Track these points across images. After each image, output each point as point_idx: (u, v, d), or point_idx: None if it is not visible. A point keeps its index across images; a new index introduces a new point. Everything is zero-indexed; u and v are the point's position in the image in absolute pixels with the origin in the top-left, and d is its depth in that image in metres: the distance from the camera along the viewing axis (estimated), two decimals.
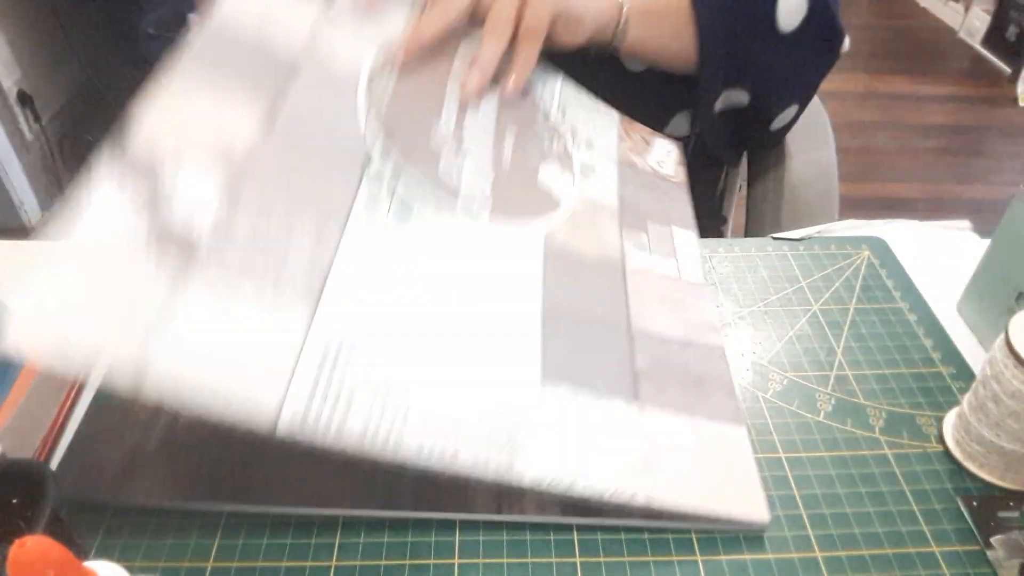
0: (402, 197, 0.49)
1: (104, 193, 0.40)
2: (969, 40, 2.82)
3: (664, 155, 0.65)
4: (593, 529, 0.42)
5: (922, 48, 2.85)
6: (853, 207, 1.95)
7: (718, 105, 0.68)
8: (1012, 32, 2.60)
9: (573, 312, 0.50)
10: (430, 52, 0.58)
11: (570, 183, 0.58)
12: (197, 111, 0.46)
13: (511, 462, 0.41)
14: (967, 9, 2.84)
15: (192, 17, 0.71)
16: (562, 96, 0.64)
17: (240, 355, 0.38)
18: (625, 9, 0.62)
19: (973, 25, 2.80)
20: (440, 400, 0.42)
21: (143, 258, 0.39)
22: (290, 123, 0.49)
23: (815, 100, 0.82)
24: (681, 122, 0.71)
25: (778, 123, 0.72)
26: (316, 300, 0.42)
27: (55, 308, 0.36)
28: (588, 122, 0.64)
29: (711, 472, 0.43)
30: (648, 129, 0.68)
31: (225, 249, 0.42)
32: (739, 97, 0.68)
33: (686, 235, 0.59)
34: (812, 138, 0.79)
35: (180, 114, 0.45)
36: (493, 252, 0.51)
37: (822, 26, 0.67)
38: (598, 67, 0.66)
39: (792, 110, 0.71)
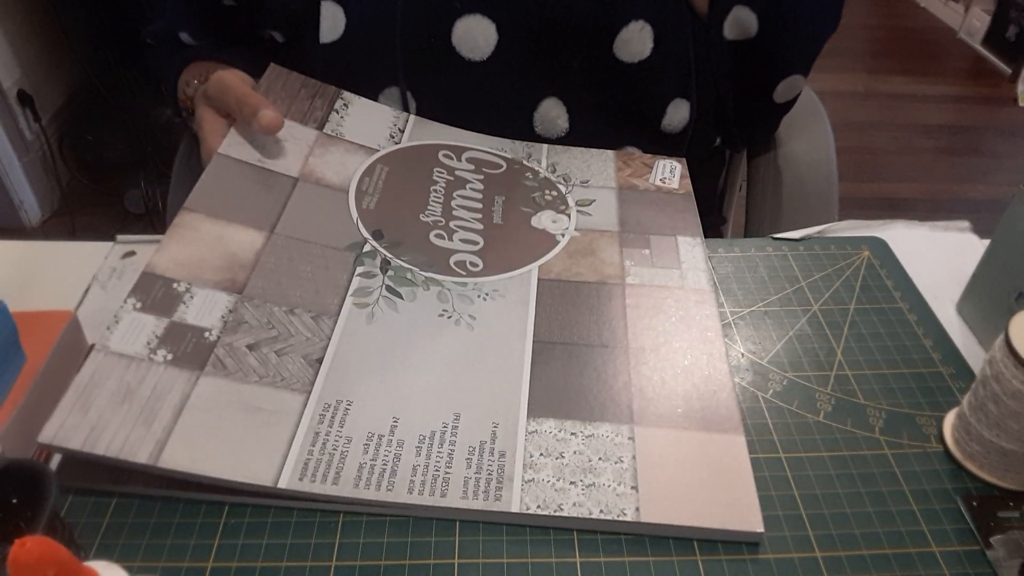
0: (392, 279, 0.54)
1: (129, 312, 0.47)
2: (969, 40, 2.82)
3: (668, 173, 0.66)
4: (593, 529, 0.42)
5: (922, 48, 2.85)
6: (853, 207, 1.95)
7: (727, 30, 0.66)
8: (1012, 32, 2.60)
9: (565, 339, 0.51)
10: (412, 165, 0.63)
11: (566, 221, 0.60)
12: (207, 233, 0.53)
13: (498, 493, 0.42)
14: (967, 9, 2.84)
15: (184, 36, 0.72)
16: (550, 157, 0.67)
17: (245, 430, 0.44)
18: None
19: (973, 25, 2.80)
20: (431, 439, 0.45)
21: (162, 357, 0.46)
22: (289, 225, 0.55)
23: (814, 99, 0.82)
24: (678, 110, 0.71)
25: (781, 95, 0.71)
26: (315, 372, 0.47)
27: (88, 411, 0.42)
28: (582, 166, 0.67)
29: (706, 484, 0.43)
30: (648, 155, 0.68)
31: (235, 334, 0.48)
32: (748, 19, 0.65)
33: (691, 243, 0.59)
34: (811, 138, 0.79)
35: (192, 237, 0.52)
36: (485, 307, 0.53)
37: None
38: (593, 59, 0.66)
39: (795, 81, 0.70)
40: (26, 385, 0.45)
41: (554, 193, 0.63)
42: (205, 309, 0.48)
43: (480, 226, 0.59)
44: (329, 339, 0.49)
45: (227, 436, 0.43)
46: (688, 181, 0.65)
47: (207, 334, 0.47)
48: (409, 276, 0.54)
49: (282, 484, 0.42)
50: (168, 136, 1.87)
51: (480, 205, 0.61)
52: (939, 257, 0.61)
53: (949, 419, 0.48)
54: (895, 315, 0.55)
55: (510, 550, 0.41)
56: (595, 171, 0.66)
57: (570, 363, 0.49)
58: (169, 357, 0.46)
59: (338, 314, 0.50)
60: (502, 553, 0.41)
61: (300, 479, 0.42)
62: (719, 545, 0.42)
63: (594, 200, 0.63)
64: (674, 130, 0.69)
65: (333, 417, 0.45)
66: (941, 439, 0.47)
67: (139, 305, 0.48)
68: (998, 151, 2.32)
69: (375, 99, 0.67)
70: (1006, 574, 0.40)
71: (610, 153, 0.68)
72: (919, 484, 0.45)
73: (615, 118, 0.68)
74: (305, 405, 0.45)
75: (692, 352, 0.50)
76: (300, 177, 0.59)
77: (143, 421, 0.42)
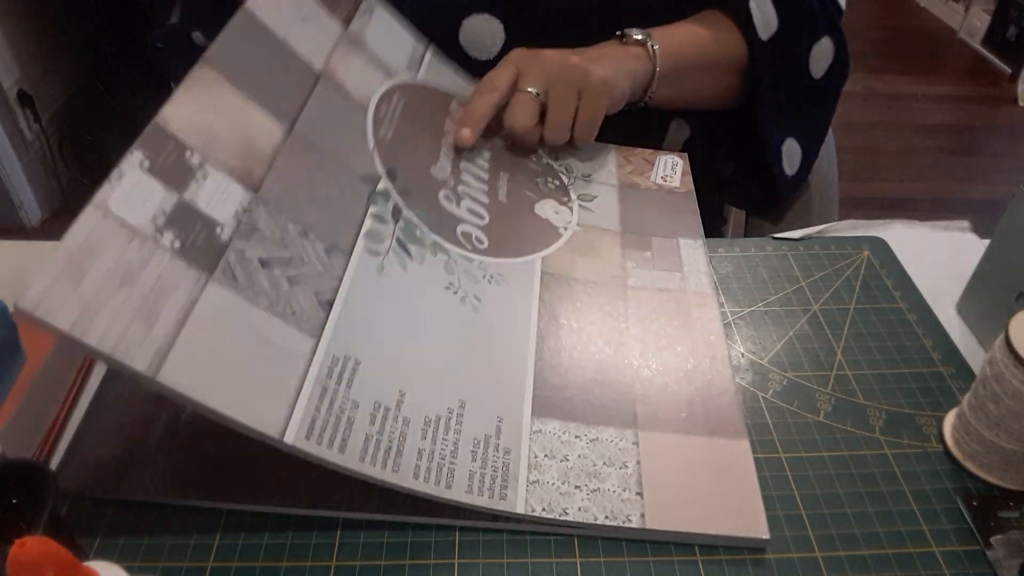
0: (402, 232, 0.52)
1: (135, 168, 0.41)
2: (969, 40, 2.82)
3: (669, 169, 0.66)
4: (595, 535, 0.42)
5: (922, 48, 2.85)
6: (853, 207, 1.94)
7: (787, 165, 0.68)
8: (1012, 32, 2.60)
9: (568, 339, 0.51)
10: (427, 106, 0.61)
11: (568, 214, 0.60)
12: (226, 102, 0.48)
13: (503, 492, 0.42)
14: (967, 9, 2.84)
15: (196, 36, 0.72)
16: None
17: (253, 362, 0.40)
18: (657, 72, 0.63)
19: (973, 25, 2.80)
20: (436, 424, 0.44)
21: (168, 242, 0.40)
22: (308, 128, 0.51)
23: None
24: (679, 131, 0.71)
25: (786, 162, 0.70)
26: (325, 315, 0.44)
27: (81, 283, 0.36)
28: (583, 158, 0.66)
29: (710, 489, 0.43)
30: (650, 150, 0.68)
31: (248, 241, 0.43)
32: (793, 148, 0.68)
33: (693, 245, 0.59)
34: None
35: (210, 102, 0.47)
36: (490, 290, 0.52)
37: (843, 69, 0.69)
38: None
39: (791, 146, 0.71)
40: (26, 385, 0.45)
41: (556, 182, 0.62)
42: (218, 197, 0.44)
43: (486, 199, 0.58)
44: (340, 280, 0.46)
45: (234, 363, 0.39)
46: (690, 179, 0.65)
47: (218, 230, 0.43)
48: (418, 234, 0.53)
49: (288, 439, 0.39)
50: None
51: (487, 176, 0.60)
52: (939, 257, 0.61)
53: (949, 419, 0.48)
54: (895, 315, 0.55)
55: (510, 550, 0.41)
56: (596, 166, 0.65)
57: (573, 365, 0.49)
58: (177, 245, 0.40)
59: (350, 253, 0.48)
60: (502, 553, 0.41)
61: (307, 437, 0.39)
62: (720, 546, 0.42)
63: (596, 196, 0.62)
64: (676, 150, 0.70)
65: (342, 374, 0.43)
66: (941, 439, 0.47)
67: (147, 164, 0.41)
68: (998, 151, 2.32)
69: None
70: (1006, 574, 0.40)
71: (611, 147, 0.68)
72: (919, 484, 0.45)
73: (619, 128, 0.68)
74: (314, 352, 0.43)
75: (695, 356, 0.50)
76: (322, 74, 0.55)
77: (143, 317, 0.37)
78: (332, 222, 0.49)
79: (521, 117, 0.59)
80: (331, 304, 0.45)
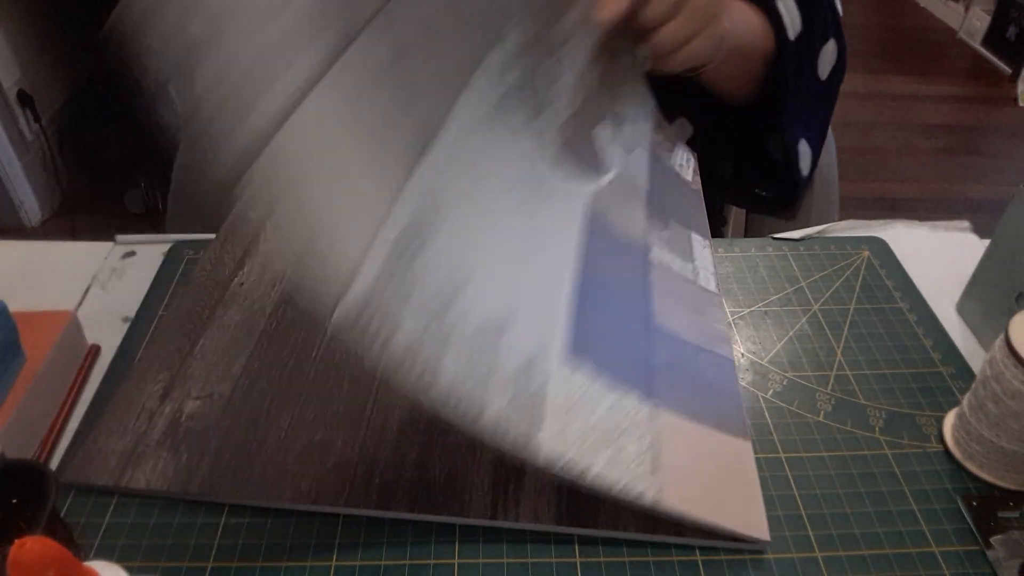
0: (514, 85, 0.49)
1: None
2: (969, 40, 2.82)
3: (684, 161, 0.66)
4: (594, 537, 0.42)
5: (922, 48, 2.86)
6: (853, 207, 1.95)
7: (803, 165, 0.68)
8: (1012, 32, 2.60)
9: (603, 291, 0.50)
10: None
11: (613, 154, 0.58)
12: None
13: (530, 434, 0.40)
14: (967, 9, 2.84)
15: None
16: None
17: (332, 206, 0.37)
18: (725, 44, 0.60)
19: (973, 25, 2.80)
20: (477, 343, 0.41)
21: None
22: None
23: None
24: (683, 131, 0.71)
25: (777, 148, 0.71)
26: (411, 167, 0.41)
27: None
28: (636, 97, 0.64)
29: (716, 483, 0.43)
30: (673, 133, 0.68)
31: (369, 53, 0.40)
32: (804, 148, 0.69)
33: (702, 243, 0.59)
34: None
35: None
36: (544, 206, 0.50)
37: (843, 71, 0.69)
38: None
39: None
40: (26, 385, 0.45)
41: (617, 111, 0.61)
42: None
43: (572, 93, 0.55)
44: (448, 112, 0.44)
45: (316, 202, 0.36)
46: (699, 179, 0.65)
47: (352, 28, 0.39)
48: (525, 93, 0.50)
49: (334, 323, 0.35)
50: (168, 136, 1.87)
51: (584, 66, 0.56)
52: (939, 257, 0.61)
53: (949, 419, 0.48)
54: (895, 315, 0.55)
55: (510, 550, 0.41)
56: (641, 115, 0.64)
57: (604, 321, 0.48)
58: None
59: (464, 87, 0.46)
60: (502, 553, 0.41)
61: (353, 322, 0.35)
62: (720, 548, 0.42)
63: (634, 146, 0.61)
64: None
65: (405, 251, 0.39)
66: (941, 439, 0.47)
67: None
68: (998, 151, 2.32)
69: None
70: (1006, 574, 0.40)
71: (652, 104, 0.66)
72: (919, 484, 0.45)
73: None
74: (391, 208, 0.39)
75: (703, 353, 0.50)
76: None
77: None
78: (458, 41, 0.46)
79: (661, 10, 0.54)
80: (424, 149, 0.42)
